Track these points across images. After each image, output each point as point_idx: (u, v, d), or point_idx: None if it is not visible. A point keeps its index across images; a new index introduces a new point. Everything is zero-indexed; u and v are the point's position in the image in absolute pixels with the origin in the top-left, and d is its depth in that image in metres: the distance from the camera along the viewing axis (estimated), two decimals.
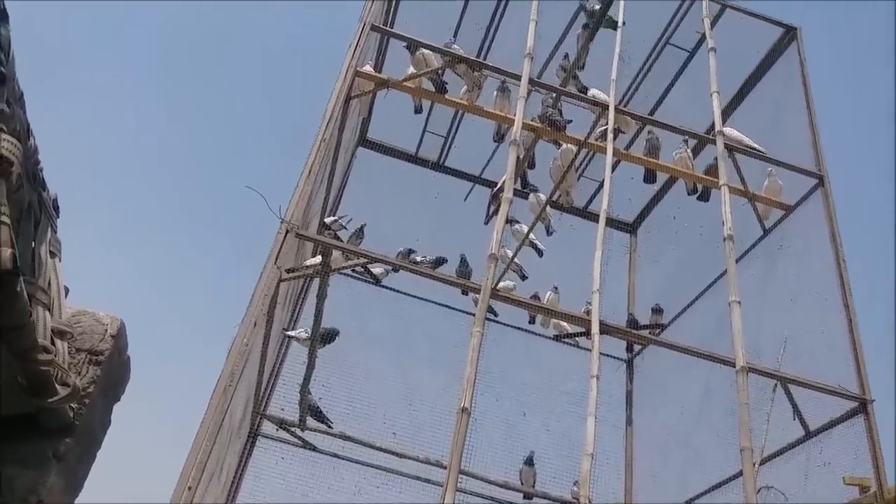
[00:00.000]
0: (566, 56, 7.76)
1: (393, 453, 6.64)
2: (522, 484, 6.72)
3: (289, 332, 6.51)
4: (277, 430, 6.63)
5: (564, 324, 7.71)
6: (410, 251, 7.17)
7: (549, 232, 7.94)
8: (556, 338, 7.96)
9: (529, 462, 6.75)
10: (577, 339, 7.81)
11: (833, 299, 6.14)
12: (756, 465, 5.24)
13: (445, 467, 4.64)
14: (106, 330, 4.09)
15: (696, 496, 6.27)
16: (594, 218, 6.95)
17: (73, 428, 3.63)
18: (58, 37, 19.07)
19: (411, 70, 7.16)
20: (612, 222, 8.51)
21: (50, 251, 3.63)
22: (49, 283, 3.53)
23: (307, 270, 6.24)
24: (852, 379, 5.65)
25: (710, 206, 7.33)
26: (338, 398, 6.60)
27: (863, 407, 5.44)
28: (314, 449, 6.67)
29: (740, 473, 4.77)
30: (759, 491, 5.05)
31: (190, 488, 4.22)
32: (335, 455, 6.63)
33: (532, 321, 8.06)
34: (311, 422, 6.62)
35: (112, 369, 4.12)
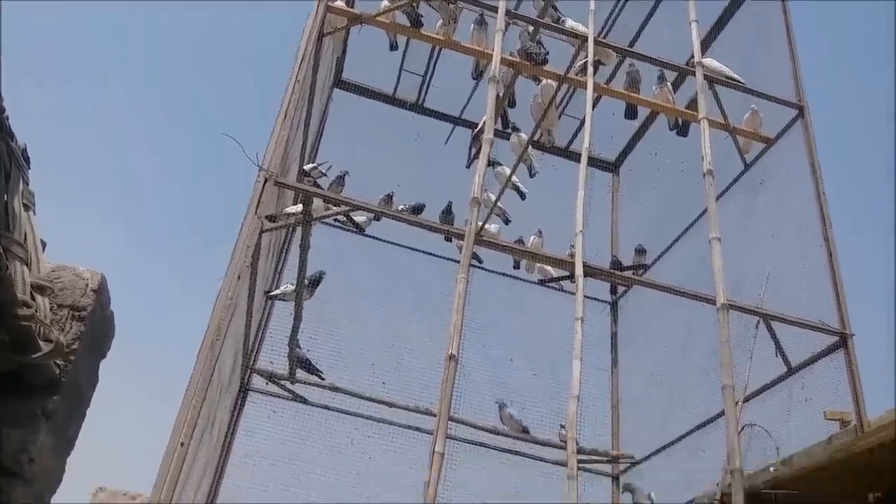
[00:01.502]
0: None
1: (383, 403, 6.68)
2: (507, 427, 6.81)
3: (272, 293, 6.42)
4: (267, 383, 6.63)
5: (549, 268, 7.72)
6: (390, 197, 7.05)
7: (531, 173, 7.84)
8: (541, 282, 7.98)
9: (501, 406, 6.82)
10: (561, 282, 7.85)
11: (814, 233, 6.16)
12: (739, 403, 5.35)
13: (435, 415, 4.67)
14: (87, 285, 3.99)
15: (681, 436, 6.41)
16: (576, 158, 6.85)
17: (60, 385, 3.59)
18: None
19: (385, 4, 6.92)
20: (594, 161, 8.47)
21: (24, 204, 3.50)
22: (25, 237, 3.42)
23: (288, 219, 6.13)
24: (833, 314, 5.72)
25: (692, 141, 7.25)
26: (326, 350, 6.60)
27: (843, 341, 5.52)
28: (305, 402, 6.70)
29: (723, 412, 4.83)
30: (741, 429, 5.17)
31: (182, 444, 4.20)
32: (326, 407, 6.67)
33: (517, 266, 8.05)
34: (301, 375, 6.63)
35: (96, 325, 4.05)
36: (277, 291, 6.31)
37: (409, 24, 7.06)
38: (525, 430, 6.79)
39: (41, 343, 3.39)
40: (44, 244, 3.90)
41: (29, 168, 3.63)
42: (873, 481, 4.59)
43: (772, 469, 4.88)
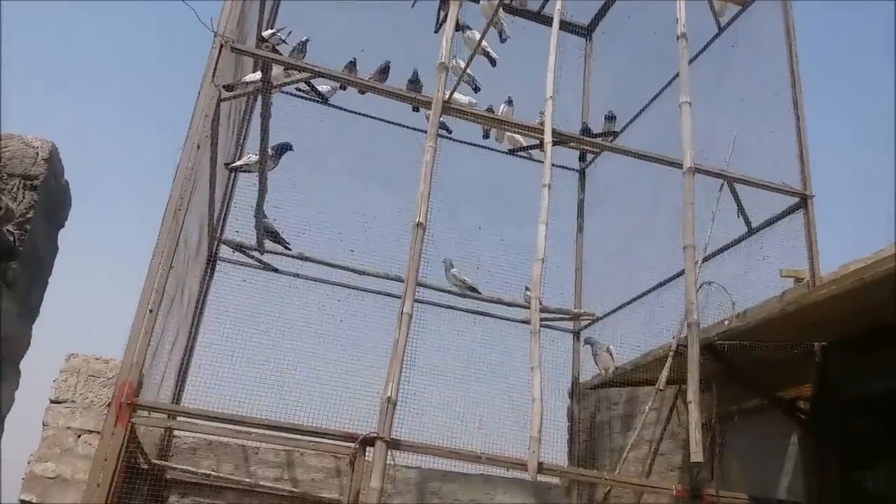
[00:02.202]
0: None
1: (352, 270, 6.77)
2: (452, 285, 6.97)
3: (233, 164, 6.30)
4: (235, 253, 6.66)
5: (519, 137, 7.64)
6: (353, 63, 6.81)
7: (502, 38, 7.57)
8: (511, 151, 7.91)
9: (448, 266, 6.93)
10: (530, 151, 7.80)
11: (783, 97, 6.14)
12: (699, 263, 5.50)
13: (403, 281, 4.76)
14: (38, 153, 3.89)
15: (642, 293, 6.62)
16: (549, 21, 6.62)
17: (17, 252, 3.56)
18: None
19: None
20: (566, 26, 8.19)
21: None
22: None
23: (247, 88, 5.93)
24: (796, 177, 5.80)
25: (668, 5, 7.01)
26: (292, 220, 6.59)
27: (803, 202, 5.65)
28: (275, 270, 6.76)
29: (683, 271, 4.97)
30: (700, 286, 5.34)
31: (151, 311, 4.27)
32: (296, 275, 6.74)
33: (486, 136, 7.95)
34: (270, 245, 6.65)
35: (50, 194, 3.97)
36: (240, 162, 6.20)
37: None
38: (473, 289, 6.98)
39: None
40: None
41: None
42: (820, 332, 4.82)
43: (726, 322, 5.10)
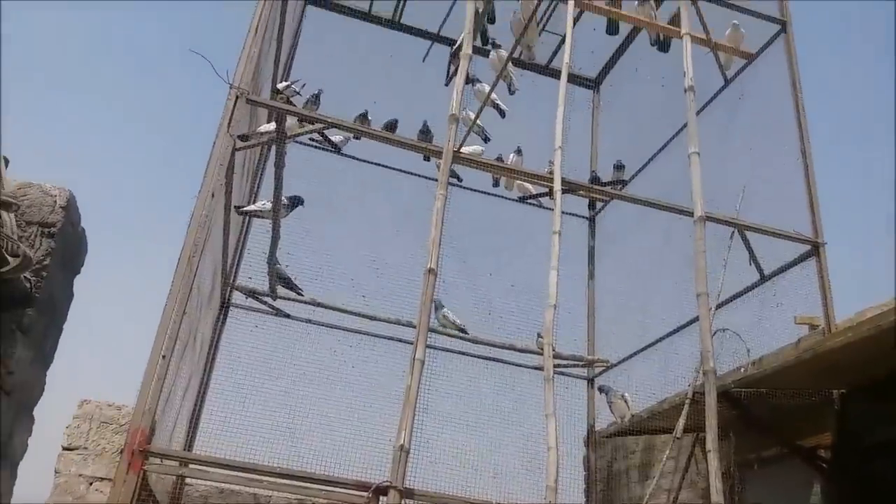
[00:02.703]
0: None
1: (364, 316, 6.77)
2: (442, 327, 6.92)
3: (246, 208, 6.37)
4: (248, 299, 6.68)
5: (528, 185, 7.72)
6: (365, 114, 6.95)
7: (511, 90, 7.72)
8: (521, 199, 7.99)
9: (437, 306, 6.88)
10: (540, 199, 7.86)
11: (791, 146, 6.21)
12: (712, 310, 5.48)
13: (415, 326, 4.75)
14: (55, 202, 3.95)
15: (656, 340, 6.58)
16: (557, 74, 6.76)
17: (33, 300, 3.58)
18: None
19: None
20: (574, 78, 8.34)
21: None
22: None
23: (261, 138, 6.04)
24: (807, 224, 5.82)
25: (673, 57, 7.17)
26: (305, 267, 6.63)
27: (815, 250, 5.65)
28: (287, 316, 6.77)
29: (697, 318, 4.95)
30: (714, 333, 5.31)
31: (164, 357, 4.26)
32: (308, 321, 6.74)
33: (496, 184, 8.04)
34: (281, 291, 6.68)
35: (67, 241, 4.02)
36: (253, 207, 6.26)
37: None
38: (462, 330, 6.93)
39: (9, 258, 3.35)
40: (6, 161, 3.81)
41: None
42: (838, 379, 4.77)
43: (742, 370, 5.04)
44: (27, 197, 3.88)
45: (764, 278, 5.89)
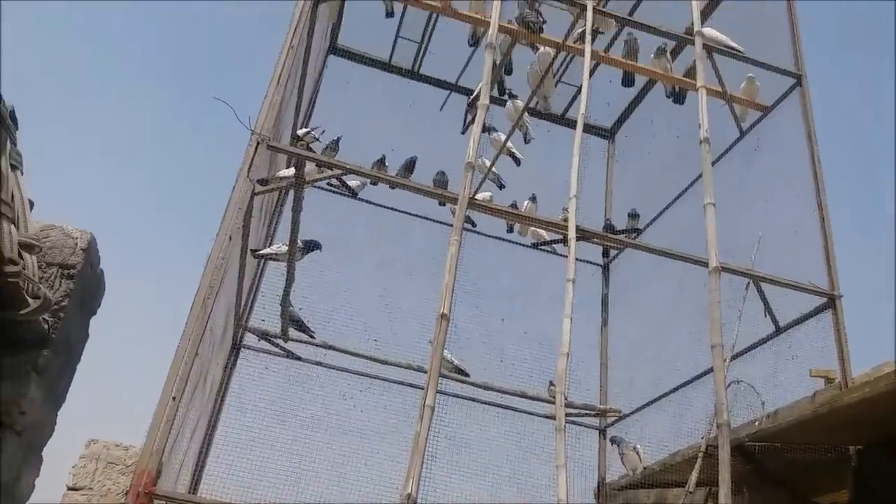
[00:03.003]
0: None
1: (375, 360, 6.77)
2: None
3: (262, 252, 6.45)
4: (259, 340, 6.71)
5: (542, 231, 7.76)
6: (382, 160, 7.06)
7: (526, 139, 7.84)
8: (534, 245, 8.02)
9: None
10: (553, 245, 7.89)
11: (806, 198, 6.21)
12: (727, 361, 5.42)
13: (426, 371, 4.74)
14: (76, 244, 4.04)
15: (669, 391, 6.50)
16: (572, 124, 6.87)
17: (50, 341, 3.63)
18: None
19: None
20: (589, 128, 8.46)
21: (11, 164, 3.53)
22: (12, 197, 3.45)
23: (280, 183, 6.15)
24: (822, 276, 5.78)
25: (688, 108, 7.26)
26: (318, 309, 6.67)
27: (831, 302, 5.58)
28: (298, 359, 6.78)
29: (711, 369, 4.91)
30: (728, 385, 5.24)
31: (174, 398, 4.27)
32: (318, 363, 6.75)
33: (510, 230, 8.09)
34: (293, 333, 6.71)
35: (85, 283, 4.09)
36: (269, 250, 6.34)
37: None
38: (462, 372, 6.84)
39: (29, 299, 3.42)
40: (31, 204, 3.92)
41: (17, 129, 3.65)
42: (855, 435, 4.67)
43: (757, 423, 4.96)
44: (49, 238, 3.98)
45: (779, 330, 5.83)
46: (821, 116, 6.85)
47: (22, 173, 3.72)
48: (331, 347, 6.75)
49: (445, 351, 6.90)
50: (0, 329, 3.34)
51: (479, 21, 7.13)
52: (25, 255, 3.43)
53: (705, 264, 5.26)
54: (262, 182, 5.88)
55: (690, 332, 6.11)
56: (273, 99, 5.58)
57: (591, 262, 8.32)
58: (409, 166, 7.19)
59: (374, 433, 6.22)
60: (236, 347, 6.70)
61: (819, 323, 5.60)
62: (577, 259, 5.56)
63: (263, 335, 6.70)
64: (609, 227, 7.80)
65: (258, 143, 5.33)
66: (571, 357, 4.97)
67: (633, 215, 7.83)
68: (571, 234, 5.73)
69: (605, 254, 8.49)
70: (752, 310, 5.93)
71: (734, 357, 5.77)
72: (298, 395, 6.32)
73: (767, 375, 5.54)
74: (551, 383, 6.34)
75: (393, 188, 6.63)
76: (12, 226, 3.31)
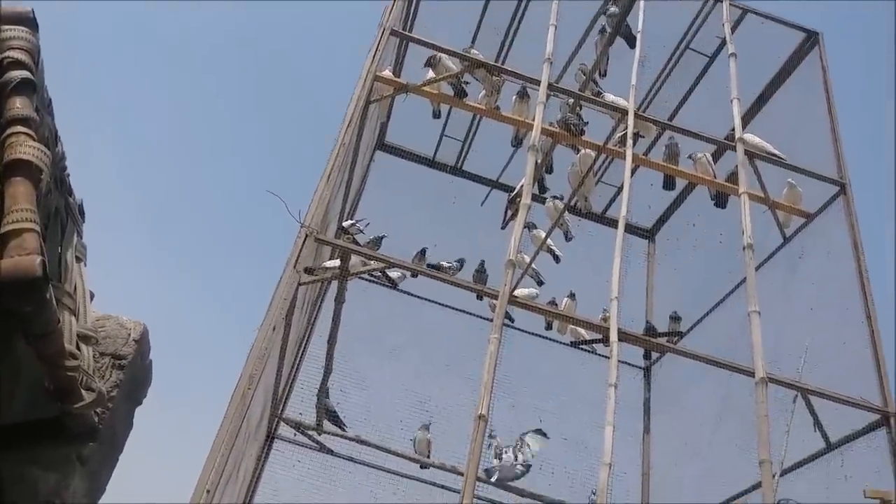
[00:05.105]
0: (584, 64, 7.74)
1: (409, 458, 6.64)
2: (416, 452, 6.65)
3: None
4: (295, 434, 6.65)
5: (581, 330, 7.69)
6: (424, 252, 7.18)
7: (567, 238, 7.91)
8: (573, 344, 7.93)
9: (426, 428, 6.70)
10: (593, 345, 7.79)
11: (855, 309, 6.06)
12: (776, 478, 5.20)
13: (462, 473, 4.63)
14: (129, 334, 4.13)
15: None
16: (612, 224, 6.93)
17: (97, 432, 3.66)
18: (80, 33, 19.31)
19: (430, 75, 7.15)
20: (630, 228, 8.47)
21: (76, 256, 3.67)
22: (75, 288, 3.56)
23: (325, 274, 6.25)
24: (874, 391, 5.57)
25: (730, 212, 7.26)
26: (354, 403, 6.62)
27: (885, 420, 5.35)
28: (331, 452, 6.69)
29: (759, 485, 4.71)
30: (777, 503, 5.01)
31: (209, 491, 4.23)
32: (351, 459, 6.64)
33: (549, 327, 8.04)
34: (327, 425, 6.65)
35: (135, 373, 4.15)
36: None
37: (453, 94, 7.29)
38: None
39: (83, 392, 3.47)
40: (92, 295, 4.03)
41: (83, 222, 3.81)
42: None
43: None
44: (104, 329, 4.08)
45: (830, 447, 5.58)
46: (866, 221, 6.75)
47: (85, 265, 3.86)
48: (365, 443, 6.65)
49: (430, 435, 6.68)
50: (51, 421, 3.38)
51: (522, 123, 7.35)
52: (82, 346, 3.51)
53: (751, 374, 5.14)
54: (308, 271, 5.98)
55: (735, 442, 5.90)
56: (322, 194, 5.76)
57: (631, 364, 8.17)
58: (460, 265, 7.30)
59: None
60: (270, 438, 6.65)
61: (873, 440, 5.37)
62: (618, 361, 5.48)
63: (298, 427, 6.65)
64: (650, 329, 7.70)
65: (307, 237, 5.47)
66: (613, 466, 4.83)
67: (675, 318, 7.73)
68: (613, 336, 5.65)
69: (647, 355, 8.34)
70: (799, 421, 5.73)
71: (783, 473, 5.53)
72: (328, 491, 6.19)
73: (819, 494, 5.28)
74: (593, 492, 6.11)
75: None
76: (73, 317, 3.40)
